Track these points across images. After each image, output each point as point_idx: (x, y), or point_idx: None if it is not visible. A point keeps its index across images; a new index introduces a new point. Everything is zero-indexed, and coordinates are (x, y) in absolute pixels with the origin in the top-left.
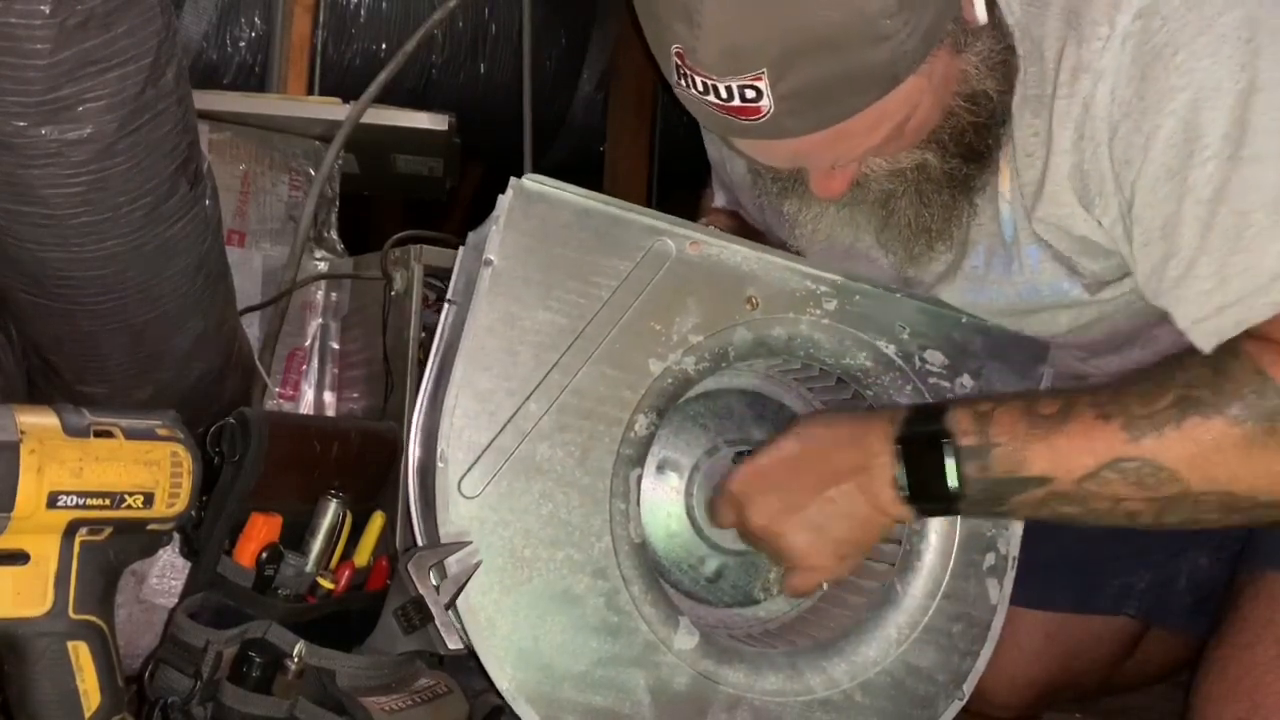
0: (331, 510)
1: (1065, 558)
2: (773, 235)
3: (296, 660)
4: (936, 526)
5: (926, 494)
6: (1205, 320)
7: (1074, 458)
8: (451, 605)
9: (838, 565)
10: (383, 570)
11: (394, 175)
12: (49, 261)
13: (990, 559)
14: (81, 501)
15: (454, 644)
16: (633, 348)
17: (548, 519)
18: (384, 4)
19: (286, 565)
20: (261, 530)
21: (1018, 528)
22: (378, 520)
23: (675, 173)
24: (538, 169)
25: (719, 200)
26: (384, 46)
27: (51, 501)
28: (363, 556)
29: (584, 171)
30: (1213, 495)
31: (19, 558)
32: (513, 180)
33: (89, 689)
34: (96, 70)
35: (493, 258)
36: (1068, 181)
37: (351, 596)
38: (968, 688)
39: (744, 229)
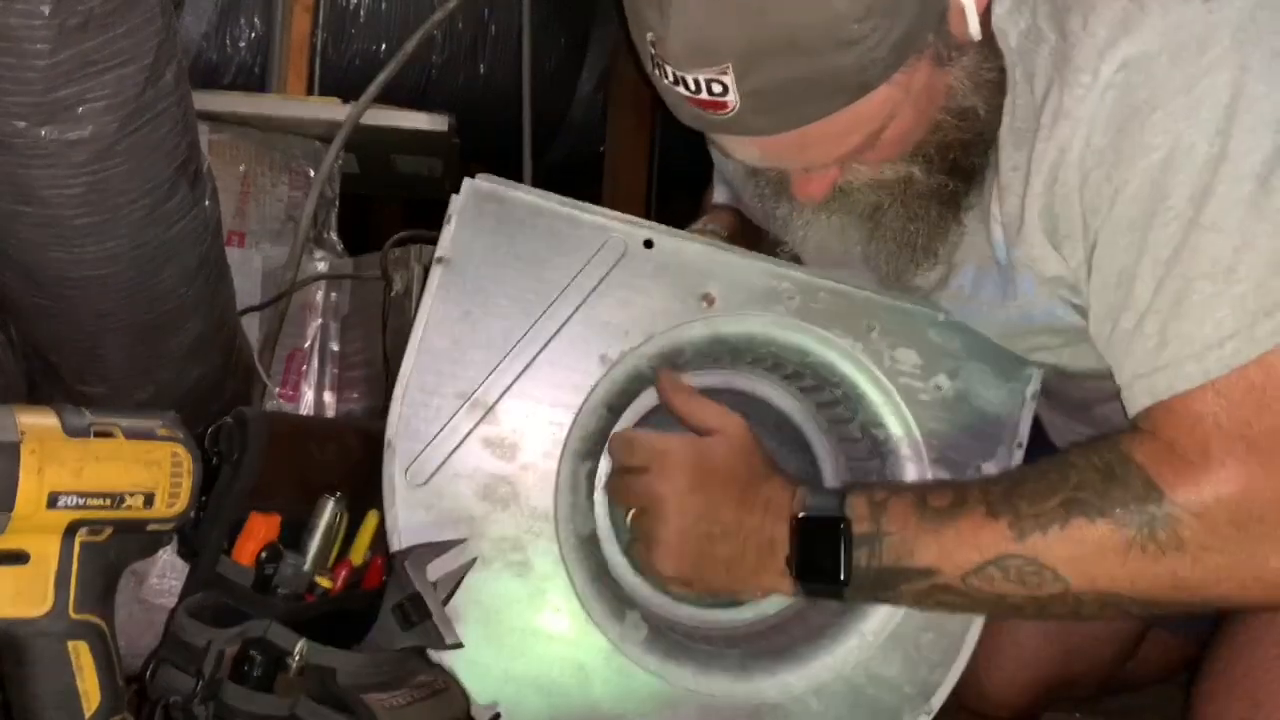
0: (329, 509)
1: None
2: (772, 233)
3: (298, 659)
4: None
5: (815, 575)
6: (1142, 378)
7: (960, 552)
8: (449, 600)
9: (681, 583)
10: (378, 569)
11: (394, 175)
12: (49, 261)
13: None
14: (82, 501)
15: (452, 638)
16: (583, 343)
17: (493, 509)
18: (384, 4)
19: (286, 565)
20: (261, 530)
21: None
22: (373, 519)
23: (675, 173)
24: (537, 169)
25: (720, 196)
26: (384, 46)
27: (52, 501)
28: (358, 555)
29: (584, 171)
30: (1092, 595)
31: (19, 558)
32: (466, 181)
33: (89, 689)
34: (96, 71)
35: (444, 255)
36: (1039, 222)
37: (348, 595)
38: (936, 701)
39: (745, 226)
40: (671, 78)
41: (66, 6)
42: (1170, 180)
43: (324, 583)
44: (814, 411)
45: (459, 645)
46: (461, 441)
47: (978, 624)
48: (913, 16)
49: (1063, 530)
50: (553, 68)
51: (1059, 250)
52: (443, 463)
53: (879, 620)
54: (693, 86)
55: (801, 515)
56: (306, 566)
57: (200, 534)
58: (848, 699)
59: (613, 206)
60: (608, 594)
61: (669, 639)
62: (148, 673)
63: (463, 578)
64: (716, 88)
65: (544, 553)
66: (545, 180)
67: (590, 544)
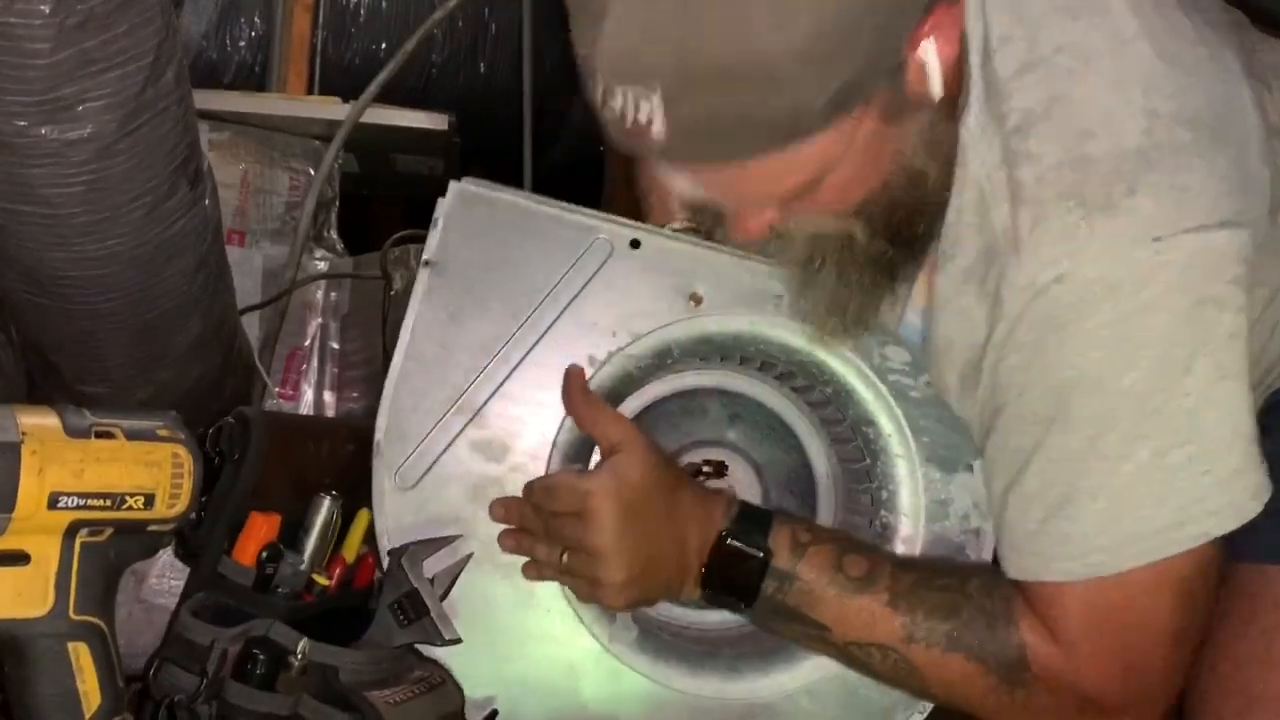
0: (325, 508)
1: None
2: None
3: (300, 657)
4: (902, 533)
5: (721, 591)
6: (1016, 552)
7: (854, 626)
8: (445, 596)
9: (623, 607)
10: (369, 566)
11: (394, 175)
12: (49, 261)
13: None
14: (82, 502)
15: (450, 634)
16: (570, 343)
17: (481, 511)
18: (384, 4)
19: (286, 564)
20: (261, 529)
21: (990, 541)
22: (364, 517)
23: None
24: (537, 169)
25: None
26: (384, 46)
27: (52, 502)
28: (350, 553)
29: (584, 171)
30: (947, 703)
31: (19, 558)
32: (452, 184)
33: (89, 690)
34: (96, 70)
35: (431, 258)
36: (959, 367)
37: (342, 593)
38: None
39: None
40: (601, 96)
41: (66, 6)
42: (1078, 401)
43: (322, 581)
44: (806, 411)
45: (457, 640)
46: (450, 444)
47: None
48: (858, 66)
49: (942, 655)
50: (553, 67)
51: (962, 396)
52: (431, 465)
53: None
54: (620, 105)
55: (727, 540)
56: (304, 565)
57: (201, 534)
58: (840, 698)
59: (613, 206)
60: None
61: (659, 640)
62: (150, 672)
63: (459, 574)
64: (644, 108)
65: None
66: (545, 180)
67: None
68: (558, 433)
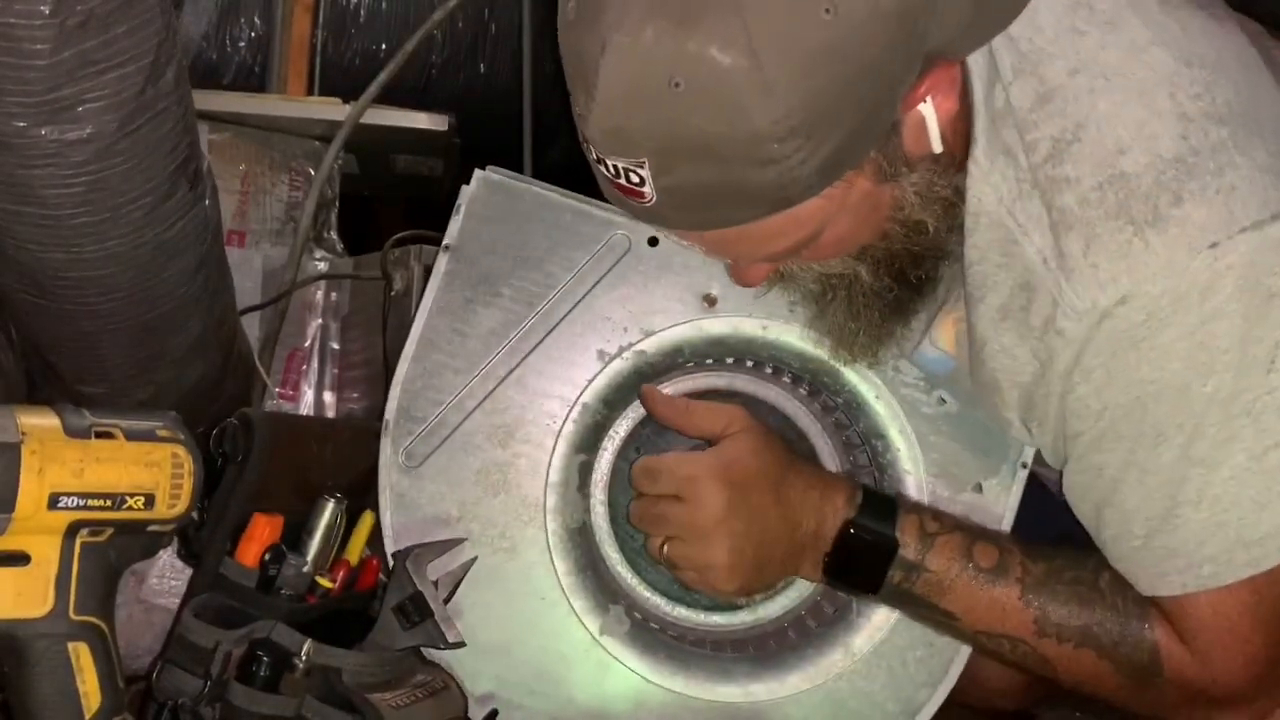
0: (330, 510)
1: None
2: None
3: (304, 659)
4: None
5: (848, 579)
6: (1129, 568)
7: (984, 618)
8: (450, 600)
9: (745, 593)
10: (373, 569)
11: (394, 175)
12: (49, 261)
13: None
14: (82, 503)
15: (454, 637)
16: (582, 336)
17: (484, 494)
18: (384, 4)
19: (289, 566)
20: (264, 531)
21: None
22: (368, 519)
23: None
24: (537, 169)
25: None
26: (384, 46)
27: (52, 502)
28: (353, 556)
29: (584, 171)
30: (1073, 689)
31: (19, 559)
32: (477, 172)
33: (89, 690)
34: (96, 70)
35: (451, 243)
36: (1015, 399)
37: (345, 596)
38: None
39: None
40: (595, 156)
41: (66, 6)
42: (1161, 412)
43: (325, 583)
44: (819, 417)
45: (461, 644)
46: (457, 426)
47: (966, 649)
48: (846, 136)
49: (1074, 651)
50: (553, 68)
51: (1026, 423)
52: (438, 446)
53: (867, 634)
54: (612, 172)
55: (852, 527)
56: (307, 567)
57: (204, 535)
58: (827, 710)
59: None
60: (592, 587)
61: (652, 636)
62: (154, 674)
63: (463, 577)
64: (634, 177)
65: (531, 541)
66: (545, 180)
67: (579, 536)
68: (564, 422)
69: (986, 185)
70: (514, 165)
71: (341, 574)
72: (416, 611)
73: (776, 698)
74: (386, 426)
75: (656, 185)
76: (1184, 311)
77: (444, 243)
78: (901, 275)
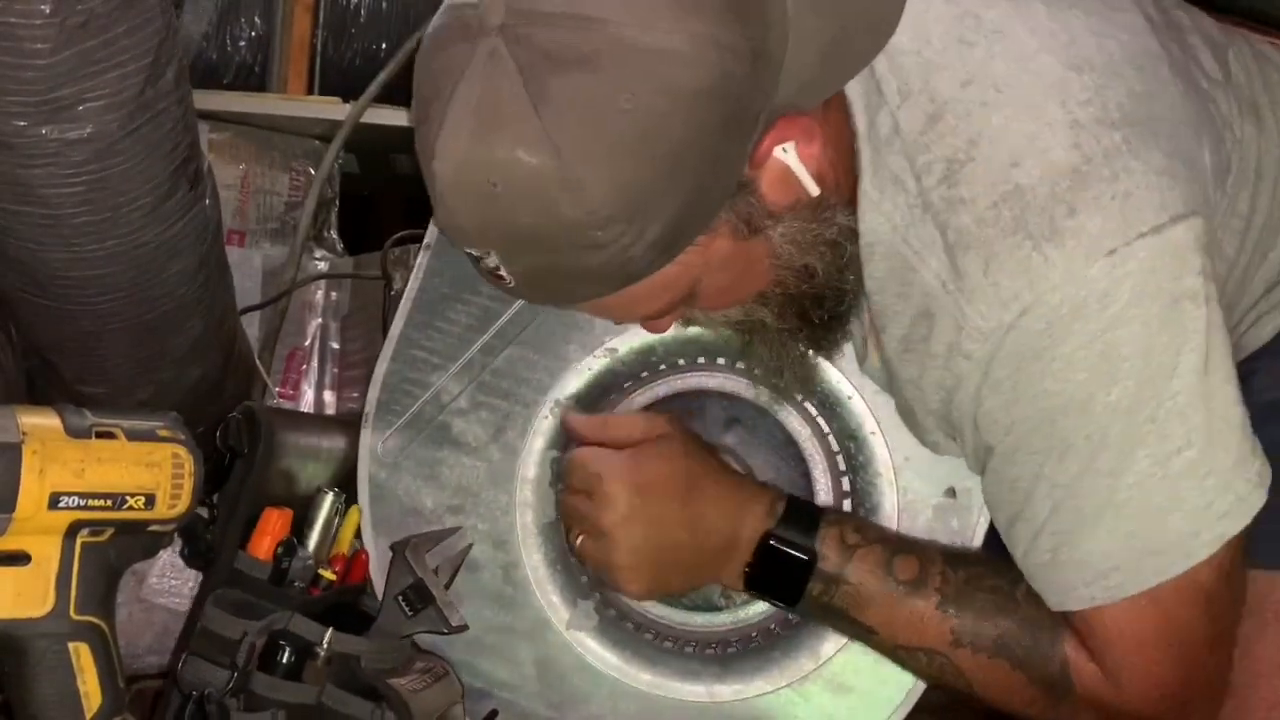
0: (328, 503)
1: None
2: None
3: (326, 648)
4: None
5: (769, 590)
6: (1039, 581)
7: (903, 631)
8: (450, 585)
9: (648, 596)
10: (362, 563)
11: (394, 175)
12: (49, 261)
13: None
14: (83, 503)
15: (457, 621)
16: (554, 335)
17: (456, 488)
18: (384, 4)
19: (298, 558)
20: (276, 524)
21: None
22: (355, 513)
23: None
24: None
25: None
26: (384, 46)
27: (53, 502)
28: (344, 547)
29: None
30: (989, 705)
31: (20, 559)
32: None
33: (90, 690)
34: (96, 70)
35: (430, 242)
36: (934, 421)
37: (342, 588)
38: None
39: None
40: (454, 242)
41: (67, 6)
42: (1067, 425)
43: (328, 575)
44: (808, 419)
45: (464, 628)
46: (434, 420)
47: (911, 698)
48: (675, 213)
49: (988, 661)
50: None
51: (948, 440)
52: (414, 440)
53: (835, 643)
54: (473, 258)
55: (772, 540)
56: (311, 560)
57: (216, 531)
58: (792, 716)
59: None
60: (562, 581)
61: (621, 632)
62: (178, 666)
63: (461, 563)
64: (490, 263)
65: (505, 534)
66: None
67: (552, 530)
68: (538, 419)
69: (879, 215)
70: None
71: (342, 566)
72: (419, 599)
73: (745, 698)
74: (366, 419)
75: (509, 271)
76: (1084, 319)
77: (425, 241)
78: (805, 316)
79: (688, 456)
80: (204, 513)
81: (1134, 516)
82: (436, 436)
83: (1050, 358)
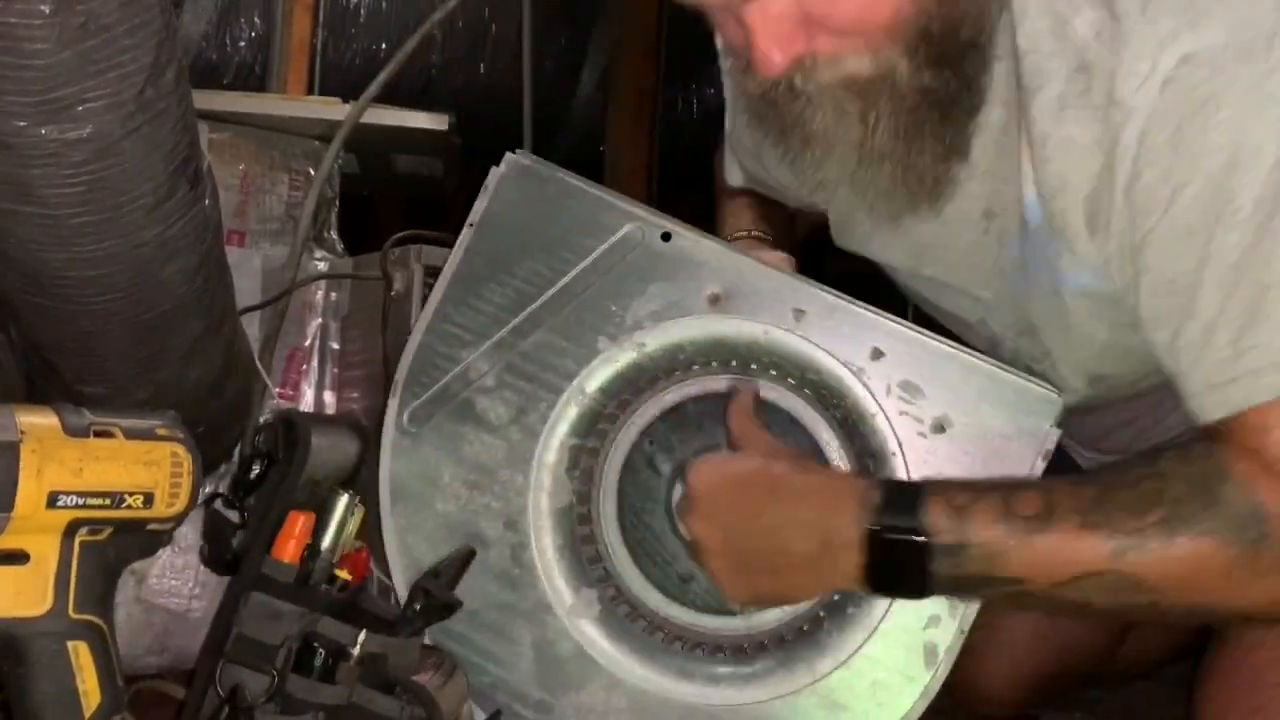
0: (343, 504)
1: None
2: (793, 198)
3: (359, 649)
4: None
5: (892, 586)
6: (1216, 388)
7: (1052, 566)
8: (454, 585)
9: (762, 604)
10: (363, 560)
11: (394, 175)
12: (49, 261)
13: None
14: (81, 501)
15: (453, 601)
16: (585, 324)
17: (474, 463)
18: (384, 4)
19: (321, 560)
20: (301, 527)
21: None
22: (360, 514)
23: (675, 173)
24: None
25: (733, 178)
26: (384, 46)
27: (51, 501)
28: (351, 549)
29: (584, 171)
30: (1183, 609)
31: (18, 557)
32: (508, 154)
33: (89, 689)
34: (96, 70)
35: (475, 220)
36: (1081, 205)
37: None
38: None
39: (764, 206)
40: None
41: (67, 6)
42: (1236, 183)
43: (344, 575)
44: (838, 431)
45: (458, 604)
46: (459, 396)
47: (925, 698)
48: None
49: (1165, 549)
50: (553, 68)
51: (1092, 235)
52: (435, 414)
53: (834, 659)
54: None
55: (875, 529)
56: (330, 561)
57: (247, 536)
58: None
59: None
60: (568, 567)
61: (622, 624)
62: (217, 673)
63: (465, 567)
64: None
65: (516, 515)
66: None
67: (564, 515)
68: (558, 406)
69: None
70: None
71: (349, 565)
72: (422, 595)
73: (733, 704)
74: (395, 387)
75: None
76: (1251, 61)
77: (468, 220)
78: (943, 58)
79: (774, 460)
80: (234, 517)
81: None
82: (461, 411)
83: (1215, 107)
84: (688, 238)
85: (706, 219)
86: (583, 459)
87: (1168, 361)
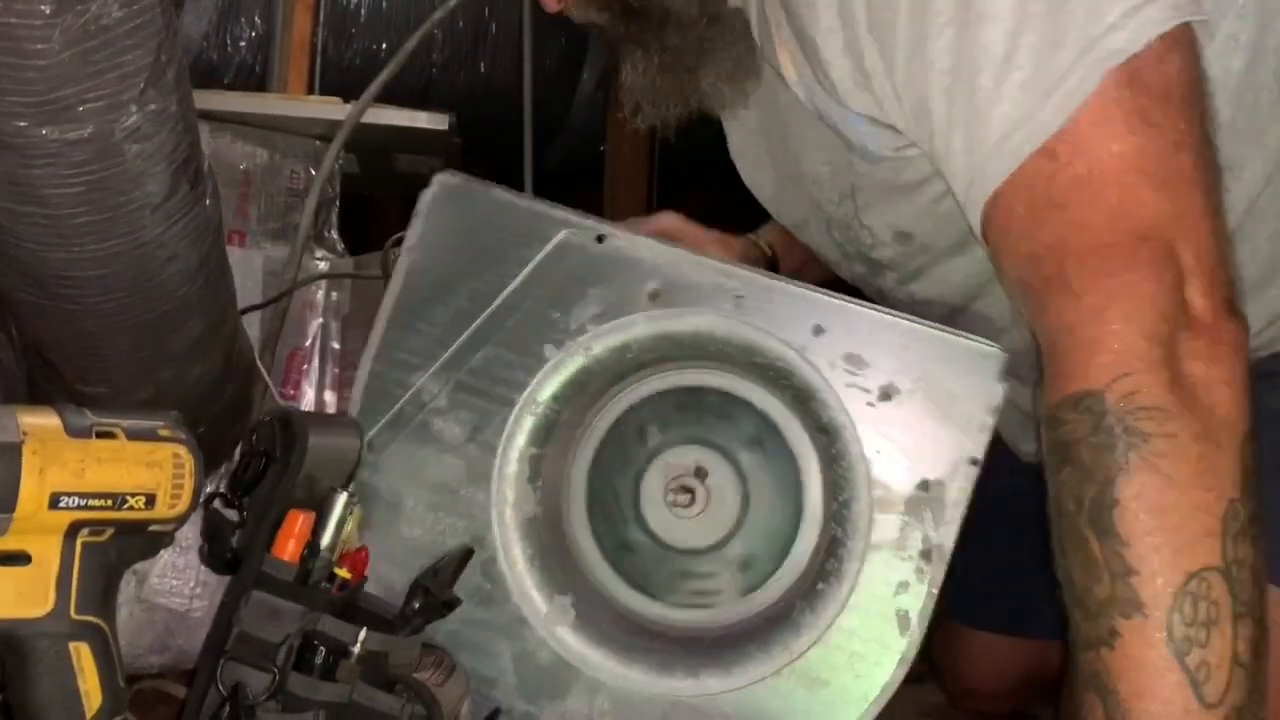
0: (342, 502)
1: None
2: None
3: (360, 647)
4: (851, 548)
5: None
6: (967, 192)
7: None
8: (453, 583)
9: None
10: (362, 560)
11: (394, 175)
12: (49, 261)
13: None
14: (83, 502)
15: (450, 598)
16: (530, 334)
17: (435, 484)
18: (384, 4)
19: (321, 558)
20: (301, 526)
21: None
22: (357, 513)
23: (675, 173)
24: (538, 169)
25: None
26: (384, 46)
27: (53, 502)
28: (350, 547)
29: (584, 171)
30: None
31: (20, 559)
32: (435, 175)
33: (90, 690)
34: (97, 70)
35: (411, 244)
36: (845, 62)
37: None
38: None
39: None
40: None
41: (67, 6)
42: None
43: (343, 574)
44: (800, 416)
45: (457, 601)
46: (414, 420)
47: (903, 665)
48: None
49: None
50: (553, 68)
51: (869, 91)
52: (395, 440)
53: (810, 637)
54: None
55: None
56: (330, 559)
57: (246, 535)
58: (766, 710)
59: (613, 207)
60: (539, 576)
61: (597, 628)
62: (218, 672)
63: (464, 565)
64: None
65: (483, 530)
66: (545, 180)
67: (532, 526)
68: (511, 418)
69: None
70: (514, 165)
71: (348, 563)
72: (421, 593)
73: (713, 694)
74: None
75: None
76: None
77: (404, 245)
78: (628, 8)
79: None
80: (233, 516)
81: (1023, 61)
82: (418, 435)
83: None
84: (621, 238)
85: (707, 219)
86: (544, 467)
87: (947, 162)
